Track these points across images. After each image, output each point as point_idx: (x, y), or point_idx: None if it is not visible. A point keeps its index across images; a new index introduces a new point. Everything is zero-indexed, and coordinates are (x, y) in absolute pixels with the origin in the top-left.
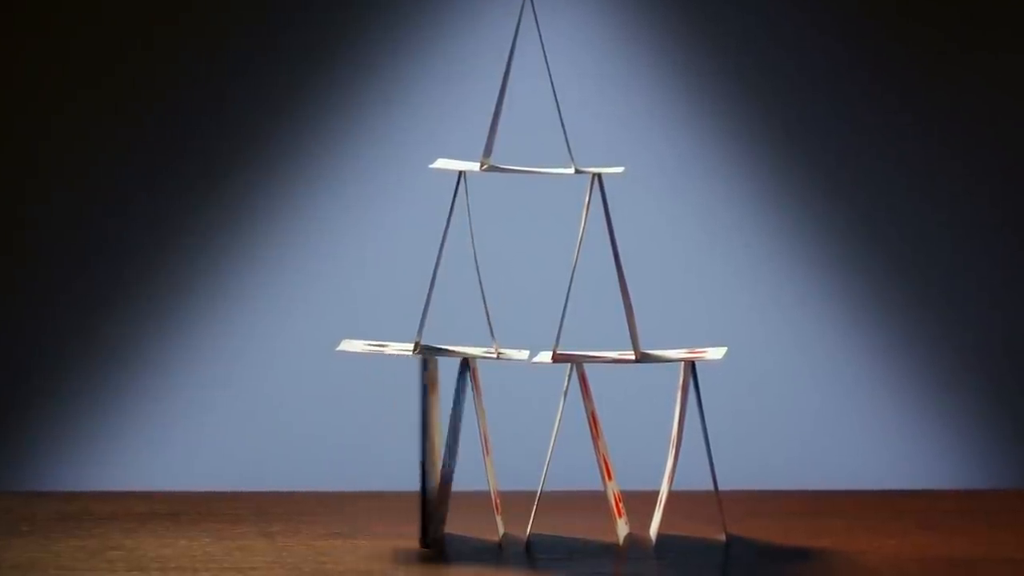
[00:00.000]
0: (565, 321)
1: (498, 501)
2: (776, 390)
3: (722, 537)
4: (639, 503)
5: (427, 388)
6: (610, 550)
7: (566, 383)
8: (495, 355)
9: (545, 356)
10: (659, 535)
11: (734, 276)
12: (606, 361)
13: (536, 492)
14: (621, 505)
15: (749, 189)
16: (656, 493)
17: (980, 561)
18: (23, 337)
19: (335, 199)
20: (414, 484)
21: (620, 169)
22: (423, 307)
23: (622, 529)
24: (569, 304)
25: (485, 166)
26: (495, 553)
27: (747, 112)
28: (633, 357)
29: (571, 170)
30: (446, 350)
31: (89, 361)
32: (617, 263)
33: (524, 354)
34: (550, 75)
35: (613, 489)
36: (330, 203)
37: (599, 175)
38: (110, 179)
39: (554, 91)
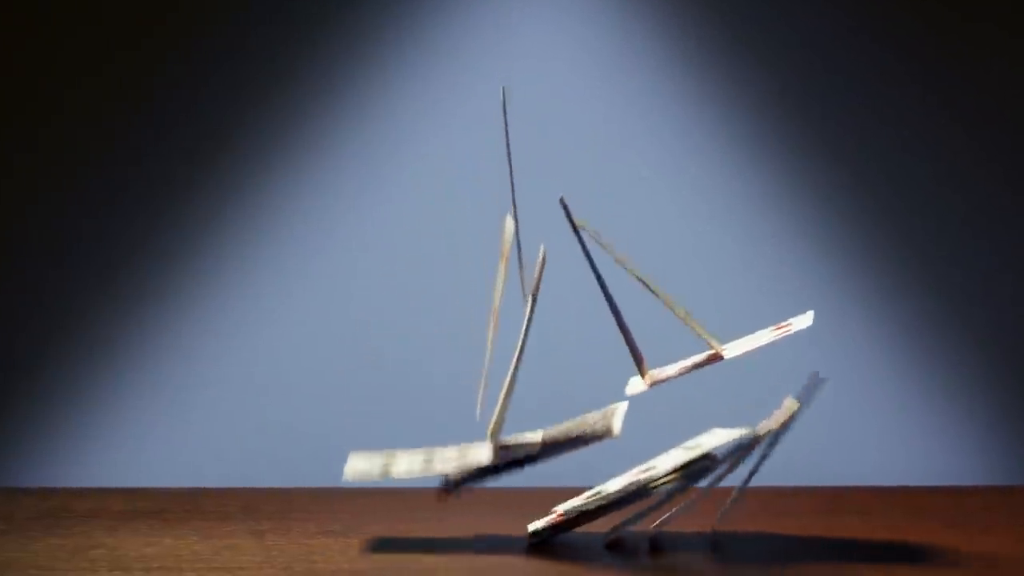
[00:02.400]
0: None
1: None
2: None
3: (724, 531)
4: (651, 499)
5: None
6: (616, 547)
7: None
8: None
9: (638, 385)
10: (665, 533)
11: (749, 268)
12: (695, 368)
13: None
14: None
15: (761, 181)
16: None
17: (1006, 559)
18: (2, 333)
19: (321, 196)
20: (409, 481)
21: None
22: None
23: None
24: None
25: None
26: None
27: (753, 102)
28: (719, 356)
29: (512, 227)
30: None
31: (71, 356)
32: (603, 290)
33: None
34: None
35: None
36: (315, 200)
37: (561, 200)
38: (93, 177)
39: (507, 143)
